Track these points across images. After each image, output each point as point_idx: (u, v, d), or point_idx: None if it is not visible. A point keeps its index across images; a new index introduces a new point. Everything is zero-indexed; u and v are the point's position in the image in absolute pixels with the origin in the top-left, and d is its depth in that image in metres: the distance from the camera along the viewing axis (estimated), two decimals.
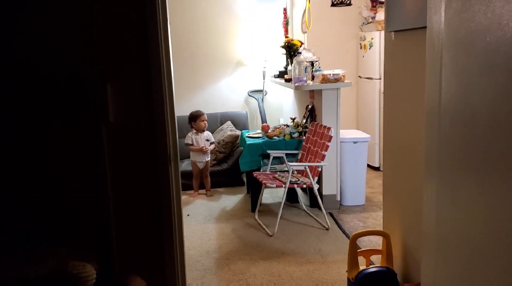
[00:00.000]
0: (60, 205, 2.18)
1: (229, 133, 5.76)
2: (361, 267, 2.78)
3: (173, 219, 2.12)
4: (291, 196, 4.92)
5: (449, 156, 1.85)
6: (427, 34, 1.98)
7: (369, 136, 4.91)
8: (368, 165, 5.46)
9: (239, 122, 6.22)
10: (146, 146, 2.14)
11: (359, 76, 6.39)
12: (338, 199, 4.72)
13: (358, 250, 2.85)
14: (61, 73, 2.11)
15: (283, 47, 5.12)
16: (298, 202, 4.83)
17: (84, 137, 2.14)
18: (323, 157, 4.18)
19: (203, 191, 5.44)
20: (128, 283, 2.07)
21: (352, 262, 2.77)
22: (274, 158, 4.62)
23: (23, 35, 2.05)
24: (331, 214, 4.56)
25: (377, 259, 3.03)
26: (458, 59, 1.70)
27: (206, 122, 5.36)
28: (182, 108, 5.95)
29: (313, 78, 4.67)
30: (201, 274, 3.43)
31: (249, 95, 6.55)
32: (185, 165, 5.64)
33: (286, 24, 6.24)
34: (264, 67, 6.32)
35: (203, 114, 5.36)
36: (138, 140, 2.14)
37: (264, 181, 4.18)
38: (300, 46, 5.06)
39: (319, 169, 4.23)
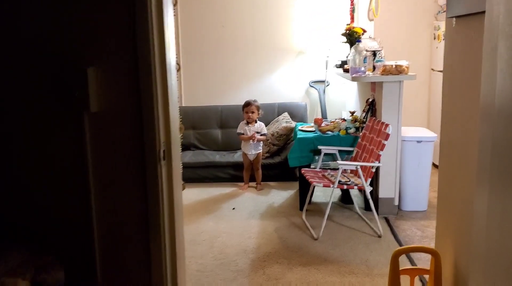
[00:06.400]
0: (32, 202, 1.98)
1: (284, 125, 5.47)
2: None
3: (161, 225, 1.83)
4: (345, 197, 4.56)
5: (502, 163, 1.48)
6: (485, 19, 1.60)
7: (435, 135, 4.41)
8: (435, 165, 4.94)
9: (297, 114, 5.89)
10: (135, 141, 1.84)
11: (432, 69, 5.83)
12: (396, 203, 4.29)
13: (402, 268, 2.48)
14: (32, 53, 1.87)
15: (343, 34, 4.73)
16: (352, 203, 4.46)
17: (62, 130, 1.90)
18: (378, 157, 3.78)
19: (254, 184, 5.21)
20: None
21: (393, 282, 2.41)
22: (327, 154, 4.28)
23: None
24: (386, 220, 4.16)
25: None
26: None
27: (251, 115, 5.07)
28: (239, 98, 5.79)
29: (374, 69, 4.26)
30: (233, 275, 3.21)
31: (311, 86, 6.21)
32: (237, 156, 5.44)
33: (352, 11, 5.81)
34: (328, 56, 5.94)
35: (249, 104, 5.08)
36: (126, 133, 1.85)
37: (311, 180, 3.86)
38: (362, 34, 4.64)
39: (373, 170, 3.84)
